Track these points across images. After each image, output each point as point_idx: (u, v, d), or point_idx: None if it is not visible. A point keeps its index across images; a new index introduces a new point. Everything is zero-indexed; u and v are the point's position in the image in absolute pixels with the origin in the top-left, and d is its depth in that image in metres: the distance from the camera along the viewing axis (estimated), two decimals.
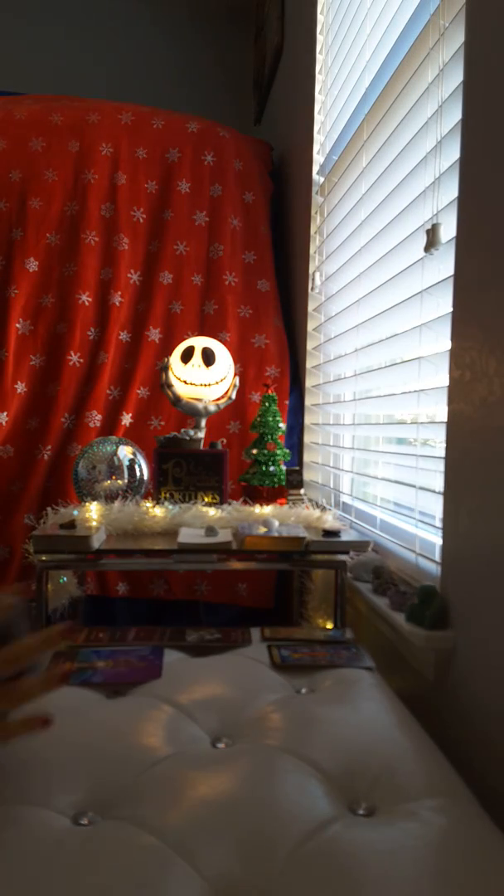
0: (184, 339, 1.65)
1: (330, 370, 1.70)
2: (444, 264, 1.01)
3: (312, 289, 1.80)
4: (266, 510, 1.42)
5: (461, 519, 0.87)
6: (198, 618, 1.72)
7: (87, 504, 1.42)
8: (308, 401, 1.87)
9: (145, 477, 1.51)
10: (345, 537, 1.24)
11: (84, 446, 1.55)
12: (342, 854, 0.52)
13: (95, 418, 1.80)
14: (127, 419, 1.82)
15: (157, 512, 1.35)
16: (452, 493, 0.91)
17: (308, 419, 1.87)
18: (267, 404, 1.61)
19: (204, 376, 1.56)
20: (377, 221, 1.30)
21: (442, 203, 0.99)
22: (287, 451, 1.61)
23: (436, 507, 1.02)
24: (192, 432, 1.55)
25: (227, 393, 1.62)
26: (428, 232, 1.00)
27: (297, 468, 1.56)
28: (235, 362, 1.73)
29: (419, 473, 1.08)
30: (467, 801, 0.61)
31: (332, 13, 1.68)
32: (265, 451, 1.57)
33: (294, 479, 1.53)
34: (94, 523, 1.28)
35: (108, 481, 1.46)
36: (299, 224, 1.95)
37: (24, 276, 1.80)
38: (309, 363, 1.84)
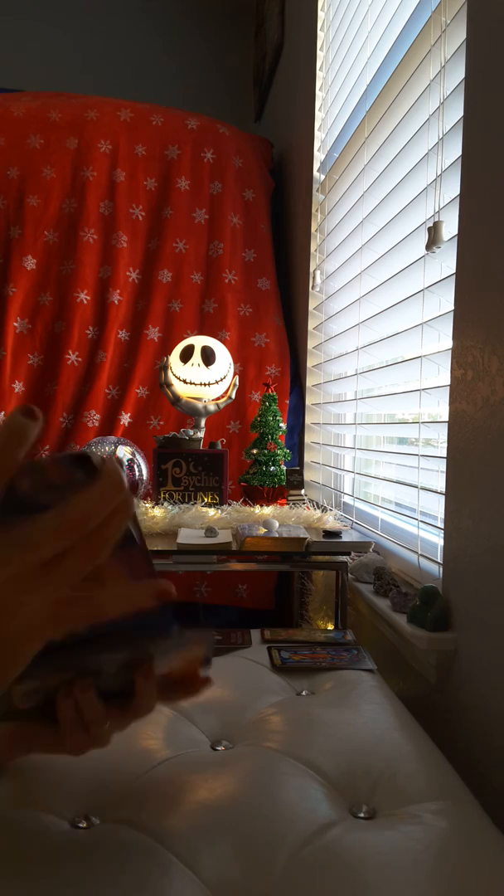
0: (183, 338, 1.64)
1: (331, 369, 1.69)
2: (446, 262, 1.00)
3: (313, 287, 1.79)
4: (266, 511, 1.41)
5: (463, 519, 0.87)
6: (197, 619, 1.71)
7: None
8: (309, 400, 1.86)
9: (144, 477, 1.50)
10: (346, 538, 1.23)
11: (82, 446, 1.54)
12: (343, 857, 0.51)
13: (94, 418, 1.79)
14: (126, 419, 1.82)
15: (156, 512, 1.34)
16: (454, 494, 0.90)
17: (309, 419, 1.86)
18: (267, 404, 1.61)
19: (203, 375, 1.55)
20: (378, 219, 1.29)
21: (444, 200, 0.99)
22: (287, 451, 1.61)
23: (437, 507, 1.01)
24: (191, 432, 1.54)
25: (226, 392, 1.61)
26: (429, 230, 0.99)
27: (298, 468, 1.55)
28: (235, 361, 1.72)
29: (421, 473, 1.08)
30: (469, 804, 0.60)
31: (333, 9, 1.67)
32: (265, 451, 1.56)
33: (294, 480, 1.52)
34: None
35: None
36: (300, 222, 1.94)
37: (21, 274, 1.79)
38: (309, 362, 1.84)
